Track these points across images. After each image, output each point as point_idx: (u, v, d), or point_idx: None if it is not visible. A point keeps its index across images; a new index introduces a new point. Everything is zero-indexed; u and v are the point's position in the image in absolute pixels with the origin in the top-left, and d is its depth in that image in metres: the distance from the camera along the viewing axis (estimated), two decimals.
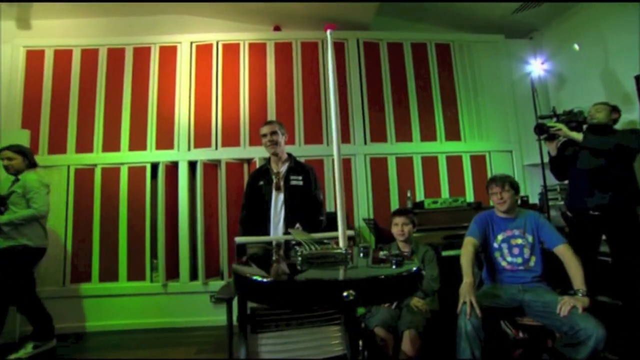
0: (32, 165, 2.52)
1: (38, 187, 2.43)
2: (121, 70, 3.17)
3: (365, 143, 3.29)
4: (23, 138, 2.88)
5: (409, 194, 3.01)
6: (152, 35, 3.24)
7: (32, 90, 3.11)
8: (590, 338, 1.45)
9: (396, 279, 0.61)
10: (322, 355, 1.31)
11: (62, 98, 3.11)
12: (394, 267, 0.67)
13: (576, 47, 3.17)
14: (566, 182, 2.61)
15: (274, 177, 2.13)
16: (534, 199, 3.21)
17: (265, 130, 2.14)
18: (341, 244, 0.80)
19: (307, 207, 2.09)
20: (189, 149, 3.13)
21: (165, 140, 3.12)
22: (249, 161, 3.20)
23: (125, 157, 3.06)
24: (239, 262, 0.96)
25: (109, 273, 2.94)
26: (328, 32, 0.96)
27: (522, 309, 1.79)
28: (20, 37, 3.25)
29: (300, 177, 2.13)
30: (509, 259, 1.89)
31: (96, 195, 3.00)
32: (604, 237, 2.27)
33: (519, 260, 1.88)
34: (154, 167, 3.08)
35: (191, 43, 3.24)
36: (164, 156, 3.09)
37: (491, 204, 2.04)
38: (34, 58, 3.16)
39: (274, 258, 1.21)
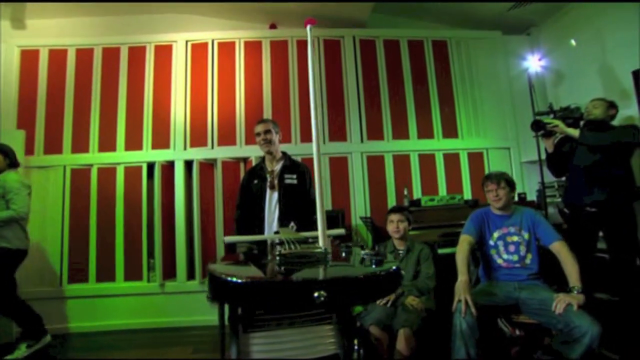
0: (14, 164, 2.46)
1: (18, 188, 2.37)
2: (116, 70, 3.16)
3: (362, 141, 3.27)
4: (18, 138, 2.88)
5: (405, 192, 3.00)
6: (147, 34, 3.23)
7: (27, 90, 3.10)
8: (585, 335, 1.44)
9: (370, 279, 0.60)
10: (315, 355, 1.30)
11: (57, 98, 3.10)
12: (373, 266, 0.65)
13: (572, 42, 3.15)
14: (564, 178, 2.60)
15: (268, 175, 2.12)
16: (532, 196, 3.20)
17: (259, 129, 2.13)
18: (321, 243, 0.79)
19: (302, 206, 2.08)
20: (185, 148, 3.12)
21: (161, 139, 3.11)
22: (245, 160, 3.19)
23: (121, 157, 3.05)
24: (225, 258, 0.95)
25: (105, 273, 2.93)
26: (308, 27, 0.95)
27: (518, 306, 1.78)
28: (14, 37, 3.23)
29: (294, 176, 2.12)
30: (505, 256, 1.88)
31: (92, 196, 3.00)
32: (601, 233, 2.26)
33: (515, 257, 1.87)
34: (150, 166, 3.07)
35: (186, 42, 3.23)
36: (160, 156, 3.08)
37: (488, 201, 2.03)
38: (29, 58, 3.15)
39: (268, 257, 1.20)
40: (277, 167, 2.16)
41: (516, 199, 2.99)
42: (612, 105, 2.33)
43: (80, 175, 3.02)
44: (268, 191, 2.10)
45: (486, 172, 3.17)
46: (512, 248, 1.88)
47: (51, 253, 2.92)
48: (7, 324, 2.65)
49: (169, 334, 2.72)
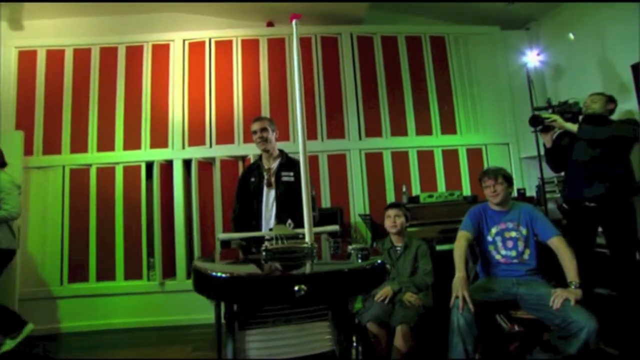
0: (2, 164, 2.44)
1: (10, 188, 2.37)
2: (114, 69, 3.16)
3: (360, 138, 3.27)
4: (17, 139, 2.89)
5: (404, 189, 3.00)
6: (145, 34, 3.22)
7: (25, 91, 3.11)
8: (582, 330, 1.44)
9: (351, 273, 0.60)
10: (311, 351, 1.30)
11: (56, 98, 3.11)
12: (359, 260, 0.65)
13: (571, 36, 3.13)
14: (563, 174, 2.59)
15: (265, 173, 2.12)
16: (532, 192, 3.18)
17: (255, 127, 2.13)
18: (307, 238, 0.79)
19: (299, 204, 2.08)
20: (183, 147, 3.12)
21: (160, 138, 3.12)
22: (244, 158, 3.19)
23: (120, 156, 3.06)
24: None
25: (106, 272, 2.95)
26: (293, 22, 0.94)
27: (516, 302, 1.78)
28: (12, 38, 3.23)
29: (291, 173, 2.11)
30: (503, 252, 1.88)
31: (92, 195, 3.01)
32: (600, 229, 2.25)
33: (513, 253, 1.86)
34: (149, 166, 3.08)
35: (184, 41, 3.23)
36: (158, 155, 3.08)
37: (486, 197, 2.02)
38: (27, 58, 3.15)
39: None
40: (274, 164, 2.16)
41: (515, 194, 2.99)
42: (610, 100, 2.31)
43: (79, 175, 3.03)
44: (265, 189, 2.09)
45: (485, 168, 3.16)
46: (510, 244, 1.87)
47: (51, 253, 2.94)
48: None
49: (169, 332, 2.73)
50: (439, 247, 2.40)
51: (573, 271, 1.66)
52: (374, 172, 3.24)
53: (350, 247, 0.75)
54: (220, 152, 3.14)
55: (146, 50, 3.20)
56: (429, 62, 3.42)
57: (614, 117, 2.33)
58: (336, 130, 3.28)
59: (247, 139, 3.13)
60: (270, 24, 3.53)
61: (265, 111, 3.19)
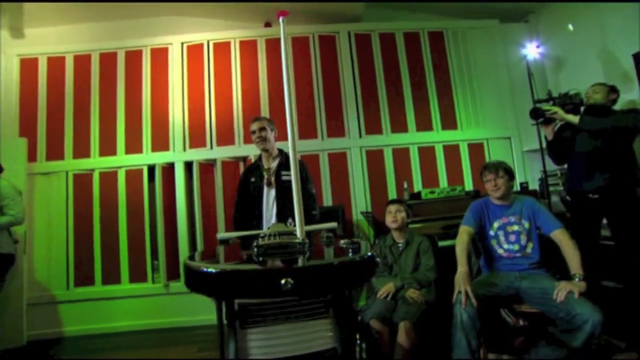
0: None
1: (13, 194, 2.41)
2: (114, 74, 3.19)
3: (360, 136, 3.26)
4: (21, 146, 2.92)
5: (405, 185, 2.99)
6: (143, 38, 3.25)
7: (27, 98, 3.15)
8: (587, 323, 1.42)
9: (337, 267, 0.60)
10: (312, 349, 1.30)
11: (58, 105, 3.14)
12: (350, 254, 0.65)
13: (570, 27, 3.09)
14: (565, 166, 2.56)
15: (265, 173, 2.12)
16: (534, 185, 3.16)
17: (254, 126, 2.13)
18: (299, 234, 0.79)
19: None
20: (184, 149, 3.14)
21: (161, 141, 3.14)
22: (245, 159, 3.20)
23: (122, 160, 3.09)
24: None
25: (111, 276, 2.98)
26: (280, 19, 0.94)
27: (520, 296, 1.76)
28: (14, 46, 3.28)
29: (290, 172, 2.11)
30: (506, 246, 1.86)
31: (95, 200, 3.04)
32: (605, 221, 2.22)
33: (516, 247, 1.84)
34: (151, 169, 3.10)
35: (182, 44, 3.24)
36: (160, 158, 3.11)
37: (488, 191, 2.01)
38: (28, 66, 3.19)
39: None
40: (274, 164, 2.16)
41: (518, 188, 2.97)
42: (613, 90, 2.28)
43: (82, 180, 3.06)
44: (265, 188, 2.10)
45: (486, 162, 3.14)
46: (512, 238, 1.86)
47: (57, 258, 2.97)
48: (17, 328, 2.70)
49: (175, 334, 2.75)
50: (441, 243, 2.39)
51: (576, 263, 1.65)
52: (375, 170, 3.23)
53: (341, 242, 0.75)
54: (221, 153, 3.15)
55: (145, 54, 3.22)
56: (427, 58, 3.40)
57: (617, 107, 2.31)
58: (336, 128, 3.28)
59: (248, 139, 3.14)
60: (267, 25, 3.54)
61: (265, 111, 3.20)
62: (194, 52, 3.26)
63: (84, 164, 3.07)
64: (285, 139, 3.16)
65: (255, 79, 3.26)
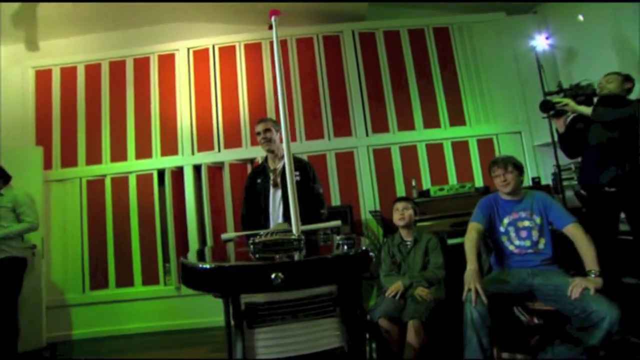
0: (7, 179, 2.51)
1: (29, 202, 2.49)
2: (123, 82, 3.27)
3: (367, 135, 3.25)
4: (37, 154, 3.02)
5: (413, 183, 2.95)
6: (151, 45, 3.32)
7: (42, 108, 3.26)
8: (604, 320, 1.37)
9: (330, 261, 0.60)
10: (319, 348, 1.29)
11: (71, 113, 3.24)
12: (345, 250, 0.65)
13: (580, 18, 3.00)
14: (579, 159, 2.49)
15: (271, 174, 2.13)
16: (547, 180, 3.07)
17: (258, 128, 2.14)
18: (294, 230, 0.79)
19: (307, 202, 2.09)
20: (192, 153, 3.19)
21: (170, 146, 3.20)
22: (252, 161, 3.22)
23: (133, 165, 3.16)
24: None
25: (124, 279, 3.04)
26: (273, 18, 0.95)
27: (532, 293, 1.71)
28: (29, 59, 3.39)
29: (297, 173, 2.12)
30: (517, 242, 1.82)
31: (107, 204, 3.11)
32: (623, 215, 2.15)
33: (527, 243, 1.80)
34: (161, 173, 3.16)
35: (188, 49, 3.30)
36: (169, 162, 3.16)
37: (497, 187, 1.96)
38: (43, 77, 3.31)
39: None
40: (280, 165, 2.17)
41: (530, 183, 2.90)
42: (627, 79, 2.20)
43: (95, 186, 3.14)
44: (272, 189, 2.11)
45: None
46: (523, 233, 1.81)
47: (73, 262, 3.06)
48: (37, 330, 2.79)
49: (187, 335, 2.79)
50: (450, 241, 2.35)
51: (592, 259, 1.59)
52: (382, 168, 3.21)
53: (338, 238, 0.75)
54: (228, 156, 3.19)
55: (153, 61, 3.29)
56: (433, 54, 3.37)
57: (632, 96, 2.22)
58: (343, 128, 3.27)
59: (255, 141, 3.16)
60: (272, 27, 3.55)
61: (271, 112, 3.22)
62: (200, 56, 3.31)
63: (96, 170, 3.15)
64: (292, 140, 3.16)
65: (261, 81, 3.29)
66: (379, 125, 3.27)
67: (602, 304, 1.41)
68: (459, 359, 1.60)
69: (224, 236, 1.28)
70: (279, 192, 2.09)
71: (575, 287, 1.51)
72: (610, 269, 1.60)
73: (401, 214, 2.02)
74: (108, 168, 3.16)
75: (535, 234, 1.79)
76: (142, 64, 3.29)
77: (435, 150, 3.22)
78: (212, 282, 0.62)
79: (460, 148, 3.22)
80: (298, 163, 2.19)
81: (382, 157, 3.22)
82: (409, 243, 2.04)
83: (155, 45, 3.31)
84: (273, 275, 0.55)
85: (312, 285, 0.87)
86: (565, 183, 2.85)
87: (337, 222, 1.26)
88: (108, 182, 3.14)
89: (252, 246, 0.73)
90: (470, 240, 1.75)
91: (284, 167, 2.14)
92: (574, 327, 1.55)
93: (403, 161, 3.21)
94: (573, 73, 3.22)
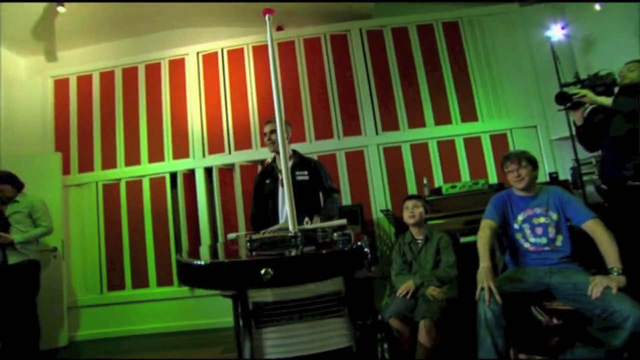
0: (20, 187, 2.60)
1: (43, 207, 2.61)
2: (135, 87, 3.36)
3: (377, 133, 3.21)
4: (56, 160, 3.14)
5: (425, 181, 2.90)
6: (161, 51, 3.40)
7: (61, 115, 3.38)
8: (627, 320, 1.30)
9: (320, 257, 0.59)
10: (327, 348, 1.28)
11: (87, 119, 3.36)
12: (340, 246, 0.64)
13: (597, 7, 2.88)
14: (599, 152, 2.38)
15: (279, 174, 2.14)
16: (566, 175, 2.96)
17: (265, 129, 2.16)
18: (291, 227, 0.79)
19: (315, 201, 2.09)
20: (203, 155, 3.24)
21: (181, 149, 3.26)
22: (262, 162, 3.23)
23: (146, 169, 3.24)
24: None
25: (140, 280, 3.11)
26: (267, 17, 0.94)
27: (550, 292, 1.65)
28: (48, 69, 3.54)
29: (305, 172, 2.12)
30: (532, 239, 1.75)
31: (123, 208, 3.20)
32: None
33: (544, 240, 1.73)
34: (173, 176, 3.23)
35: (197, 53, 3.36)
36: (181, 165, 3.22)
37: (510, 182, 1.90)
38: (61, 86, 3.43)
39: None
40: (288, 164, 2.17)
41: (547, 179, 2.80)
42: None
43: (111, 190, 3.24)
44: (280, 189, 2.12)
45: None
46: (539, 230, 1.74)
47: (91, 264, 3.16)
48: (60, 329, 2.89)
49: (200, 335, 2.83)
50: (463, 239, 2.29)
51: (613, 256, 1.52)
52: (393, 167, 3.17)
53: (335, 234, 0.74)
54: (239, 157, 3.22)
55: (163, 66, 3.37)
56: (443, 50, 3.30)
57: None
58: (352, 127, 3.25)
59: (264, 143, 3.18)
60: (279, 29, 3.58)
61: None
62: (209, 60, 3.36)
63: (111, 174, 3.25)
64: (301, 140, 3.17)
65: (269, 83, 3.29)
66: (389, 123, 3.23)
67: (625, 303, 1.34)
68: (473, 359, 1.55)
69: (230, 236, 1.29)
70: (286, 192, 2.09)
71: (596, 286, 1.44)
72: (633, 267, 1.51)
73: (411, 212, 1.98)
74: (122, 172, 3.25)
75: (551, 231, 1.72)
76: (153, 70, 3.37)
77: (446, 147, 3.16)
78: (203, 279, 0.63)
79: (473, 144, 3.14)
80: (307, 163, 2.19)
81: (392, 155, 3.18)
82: (420, 241, 2.00)
83: (166, 51, 3.39)
84: (263, 271, 0.55)
85: (303, 281, 0.88)
86: (585, 178, 2.73)
87: (343, 221, 1.24)
88: (123, 186, 3.23)
89: (249, 244, 0.74)
90: (483, 238, 1.70)
91: (292, 167, 2.15)
92: (595, 327, 1.49)
93: (414, 159, 3.16)
94: (592, 63, 3.09)
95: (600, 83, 2.25)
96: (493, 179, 3.03)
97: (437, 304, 1.69)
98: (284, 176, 0.85)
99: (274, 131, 2.12)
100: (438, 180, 3.09)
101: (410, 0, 3.42)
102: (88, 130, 3.33)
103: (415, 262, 1.97)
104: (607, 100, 2.07)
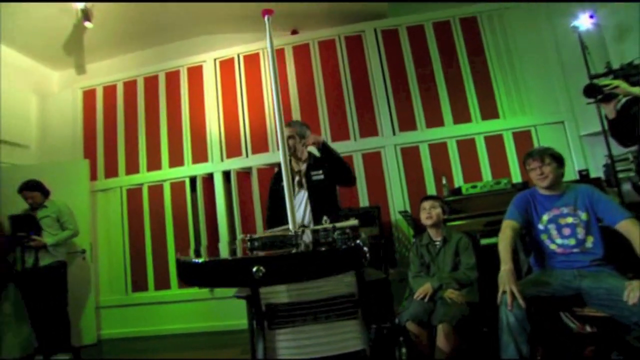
0: (47, 193, 2.77)
1: (69, 212, 2.79)
2: (156, 95, 3.49)
3: (394, 133, 3.16)
4: (84, 167, 3.30)
5: (444, 181, 2.81)
6: (180, 59, 3.51)
7: (88, 124, 3.57)
8: None
9: (309, 256, 0.58)
10: (340, 351, 1.26)
11: (112, 127, 3.52)
12: (339, 244, 0.63)
13: None
14: (635, 148, 2.22)
15: (295, 175, 2.14)
16: (598, 173, 2.78)
17: (285, 132, 2.15)
18: (290, 227, 0.78)
19: (331, 199, 2.07)
20: (222, 159, 3.31)
21: (200, 154, 3.34)
22: (279, 165, 3.26)
23: (166, 174, 3.35)
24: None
25: (162, 282, 3.20)
26: (266, 17, 0.94)
27: (581, 297, 1.54)
28: (77, 81, 3.75)
29: (320, 172, 2.11)
30: (559, 241, 1.65)
31: (145, 211, 3.32)
32: None
33: (572, 241, 1.62)
34: (192, 180, 3.31)
35: (214, 60, 3.44)
36: (200, 169, 3.30)
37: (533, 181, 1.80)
38: (89, 97, 3.63)
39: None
40: (303, 166, 2.17)
41: (576, 177, 2.64)
42: None
43: (134, 194, 3.37)
44: (296, 190, 2.12)
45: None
46: (567, 231, 1.64)
47: (117, 266, 3.29)
48: (90, 328, 3.02)
49: (219, 337, 2.87)
50: (484, 241, 2.19)
51: None
52: (411, 167, 3.10)
53: (336, 233, 0.73)
54: (256, 161, 3.26)
55: (182, 73, 3.48)
56: (461, 46, 3.21)
57: None
58: (369, 128, 3.22)
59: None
60: (294, 32, 3.61)
61: (296, 115, 3.25)
62: (226, 66, 3.43)
63: (134, 179, 3.38)
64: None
65: (285, 86, 3.34)
66: (406, 123, 3.17)
67: None
68: None
69: (240, 238, 1.30)
70: (303, 193, 2.09)
71: (633, 291, 1.33)
72: None
73: (428, 212, 1.93)
74: (145, 177, 3.37)
75: (580, 232, 1.61)
76: (172, 77, 3.49)
77: (466, 146, 3.05)
78: (199, 276, 0.64)
79: (494, 142, 3.02)
80: (320, 162, 2.18)
81: (410, 155, 3.11)
82: (438, 243, 1.93)
83: (184, 59, 3.50)
84: (254, 269, 0.55)
85: (296, 280, 0.88)
86: (621, 175, 2.55)
87: (354, 222, 1.22)
88: (145, 191, 3.35)
89: (249, 243, 0.74)
90: (504, 239, 1.62)
91: (307, 168, 2.15)
92: (634, 335, 1.37)
93: (432, 159, 3.08)
94: (625, 52, 2.89)
95: (635, 72, 2.11)
96: (517, 178, 2.89)
97: (456, 308, 1.62)
98: (284, 180, 0.85)
99: (291, 137, 2.12)
100: (458, 181, 2.99)
101: (424, 0, 3.35)
102: (113, 137, 3.49)
103: (433, 264, 1.90)
104: None
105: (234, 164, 3.28)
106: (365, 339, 1.26)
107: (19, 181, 2.68)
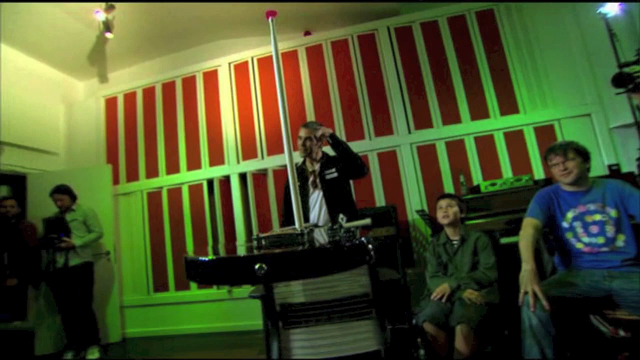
0: (74, 197, 2.90)
1: (95, 215, 2.93)
2: (173, 100, 3.59)
3: (410, 132, 3.11)
4: (107, 171, 3.43)
5: (462, 179, 2.73)
6: (196, 64, 3.60)
7: (111, 130, 3.71)
8: None
9: (308, 254, 0.57)
10: (355, 351, 1.24)
11: (132, 132, 3.65)
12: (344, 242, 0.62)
13: None
14: None
15: (309, 175, 2.14)
16: (631, 167, 2.62)
17: (301, 133, 2.16)
18: (297, 225, 0.78)
19: (346, 196, 2.06)
20: (238, 162, 3.36)
21: (217, 157, 3.41)
22: (295, 165, 3.28)
23: (184, 177, 3.43)
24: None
25: (182, 282, 3.28)
26: (269, 19, 0.94)
27: (612, 299, 1.45)
28: (100, 90, 3.91)
29: (333, 170, 2.10)
30: (586, 239, 1.56)
31: (165, 214, 3.41)
32: None
33: (600, 240, 1.53)
34: (210, 182, 3.38)
35: (229, 64, 3.51)
36: (217, 172, 3.37)
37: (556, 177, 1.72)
38: (111, 104, 3.77)
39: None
40: (317, 166, 2.17)
41: (606, 172, 2.51)
42: None
43: (154, 197, 3.47)
44: (311, 189, 2.12)
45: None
46: (594, 229, 1.55)
47: (139, 267, 3.39)
48: (115, 326, 3.13)
49: (238, 337, 2.90)
50: (504, 240, 2.11)
51: None
52: (428, 166, 3.04)
53: (341, 231, 0.72)
54: (271, 163, 3.29)
55: (198, 78, 3.56)
56: (477, 41, 3.12)
57: None
58: (384, 127, 3.18)
59: (296, 147, 3.21)
60: (307, 33, 3.63)
61: (311, 116, 3.26)
62: (241, 69, 3.49)
63: (154, 183, 3.49)
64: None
65: (299, 87, 3.35)
66: (422, 121, 3.11)
67: None
68: None
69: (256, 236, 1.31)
70: (317, 192, 2.09)
71: None
72: None
73: (445, 211, 1.88)
74: (164, 180, 3.47)
75: (610, 229, 1.52)
76: (189, 82, 3.58)
77: (485, 143, 2.96)
78: (204, 274, 0.65)
79: (514, 138, 2.91)
80: (333, 161, 2.17)
81: (426, 154, 3.05)
82: (455, 242, 1.88)
83: (200, 64, 3.58)
84: (257, 266, 0.56)
85: (299, 277, 0.88)
86: None
87: (367, 221, 1.20)
88: (164, 193, 3.45)
89: (255, 242, 0.75)
90: (525, 238, 1.55)
91: (321, 168, 2.14)
92: None
93: (450, 157, 3.00)
94: None
95: None
96: (539, 174, 2.77)
97: (474, 309, 1.57)
98: (290, 181, 0.85)
99: (308, 138, 2.12)
100: (477, 178, 2.90)
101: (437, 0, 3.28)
102: (133, 142, 3.62)
103: (451, 264, 1.85)
104: None
105: (250, 166, 3.32)
106: (380, 339, 1.24)
107: (49, 187, 2.83)
